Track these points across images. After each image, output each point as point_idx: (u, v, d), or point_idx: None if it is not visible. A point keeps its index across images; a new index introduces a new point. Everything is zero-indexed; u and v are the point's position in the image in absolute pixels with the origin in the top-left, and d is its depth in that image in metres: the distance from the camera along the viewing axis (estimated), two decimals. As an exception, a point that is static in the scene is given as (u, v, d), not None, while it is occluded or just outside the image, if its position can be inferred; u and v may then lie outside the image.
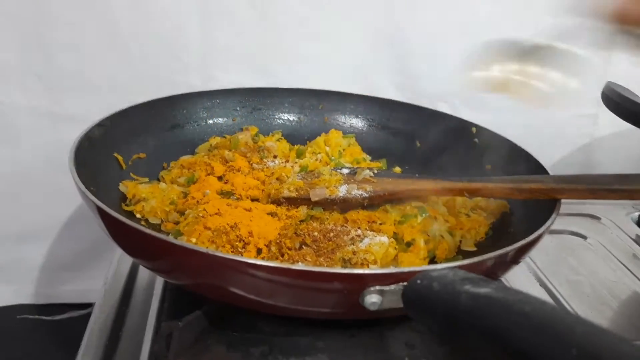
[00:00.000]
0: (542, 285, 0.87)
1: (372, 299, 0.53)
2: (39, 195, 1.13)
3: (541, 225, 0.67)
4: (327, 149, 0.98)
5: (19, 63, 1.03)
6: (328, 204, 0.81)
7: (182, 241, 0.56)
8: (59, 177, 1.08)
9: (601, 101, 1.13)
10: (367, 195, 0.82)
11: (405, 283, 0.53)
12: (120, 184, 0.82)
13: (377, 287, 0.53)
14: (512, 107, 1.15)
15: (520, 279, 0.87)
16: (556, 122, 1.19)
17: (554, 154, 1.21)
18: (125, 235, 0.63)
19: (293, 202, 0.81)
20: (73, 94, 1.07)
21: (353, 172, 0.86)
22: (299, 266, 0.54)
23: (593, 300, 0.85)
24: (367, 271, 0.55)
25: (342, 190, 0.82)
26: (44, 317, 1.21)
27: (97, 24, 1.02)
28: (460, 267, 0.57)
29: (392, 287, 0.53)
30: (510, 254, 0.63)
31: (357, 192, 0.82)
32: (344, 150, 0.99)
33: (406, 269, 0.55)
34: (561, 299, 0.84)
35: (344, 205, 0.81)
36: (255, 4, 1.06)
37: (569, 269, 0.92)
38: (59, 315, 1.21)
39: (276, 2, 1.07)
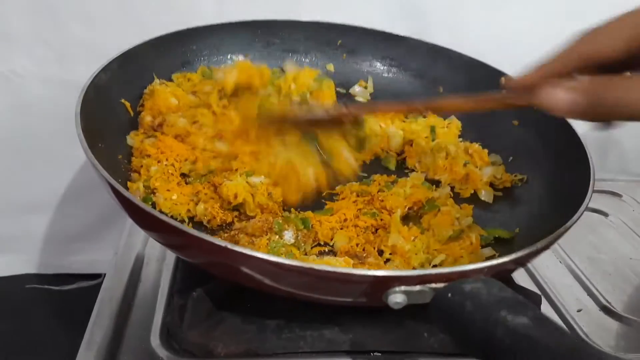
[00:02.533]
0: (563, 262, 0.85)
1: (396, 299, 0.51)
2: (49, 165, 1.12)
3: (576, 211, 0.64)
4: (293, 86, 0.92)
5: (29, 32, 1.01)
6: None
7: (199, 232, 0.53)
8: (68, 147, 1.07)
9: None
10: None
11: (432, 285, 0.51)
12: (127, 137, 0.79)
13: (402, 288, 0.51)
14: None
15: (541, 257, 0.84)
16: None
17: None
18: (139, 216, 0.61)
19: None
20: (84, 63, 1.04)
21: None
22: (322, 267, 0.51)
23: (615, 279, 0.83)
24: (390, 273, 0.53)
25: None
26: (52, 287, 1.21)
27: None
28: (493, 270, 0.54)
29: (417, 288, 0.51)
30: (539, 248, 0.60)
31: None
32: (311, 93, 0.92)
33: (433, 271, 0.52)
34: (582, 277, 0.82)
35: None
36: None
37: (590, 247, 0.89)
38: (67, 285, 1.21)
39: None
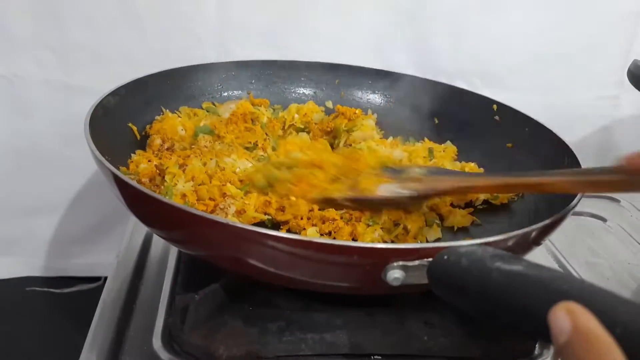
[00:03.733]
0: (561, 266, 0.86)
1: (394, 275, 0.52)
2: (50, 169, 1.13)
3: (566, 206, 0.65)
4: (296, 116, 0.95)
5: (33, 36, 1.02)
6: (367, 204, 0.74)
7: (201, 211, 0.54)
8: (70, 150, 1.08)
9: (622, 83, 1.12)
10: (414, 194, 0.73)
11: (430, 259, 0.51)
12: (133, 154, 0.80)
13: (401, 263, 0.52)
14: (532, 88, 1.14)
15: (539, 260, 0.85)
16: (576, 103, 1.16)
17: (573, 134, 1.19)
18: (142, 205, 0.61)
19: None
20: (86, 67, 1.06)
21: (399, 171, 0.78)
22: (321, 239, 0.52)
23: (613, 283, 0.83)
24: (389, 246, 0.53)
25: (385, 190, 0.74)
26: (52, 290, 1.21)
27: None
28: (485, 244, 0.55)
29: (416, 262, 0.52)
30: (534, 234, 0.61)
31: (401, 190, 0.73)
32: (315, 124, 0.95)
33: (431, 245, 0.53)
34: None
35: (385, 205, 0.74)
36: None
37: (588, 251, 0.90)
38: (67, 288, 1.21)
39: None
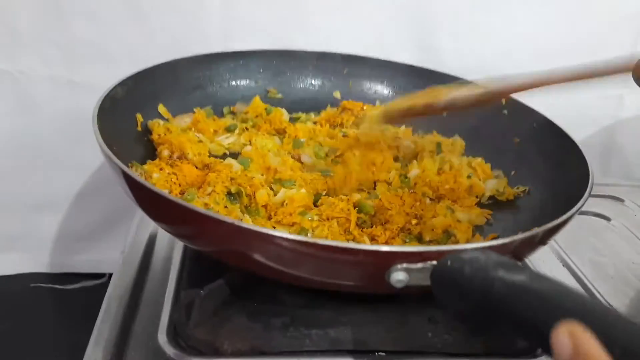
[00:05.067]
0: (565, 265, 0.86)
1: (398, 277, 0.52)
2: (55, 165, 1.13)
3: (571, 206, 0.65)
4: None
5: (37, 32, 1.02)
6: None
7: (209, 210, 0.55)
8: (75, 146, 1.08)
9: (626, 82, 1.11)
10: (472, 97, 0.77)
11: (434, 262, 0.51)
12: (145, 166, 0.79)
13: (404, 265, 0.52)
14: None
15: (543, 258, 0.85)
16: (580, 102, 1.16)
17: (577, 134, 1.19)
18: (149, 200, 0.61)
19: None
20: (91, 63, 1.06)
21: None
22: (325, 241, 0.52)
23: (617, 282, 0.83)
24: (393, 248, 0.54)
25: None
26: (57, 286, 1.21)
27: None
28: (489, 248, 0.55)
29: (419, 265, 0.52)
30: (540, 235, 0.61)
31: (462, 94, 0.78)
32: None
33: (434, 248, 0.53)
34: (585, 279, 0.83)
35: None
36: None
37: (592, 250, 0.90)
38: (72, 284, 1.22)
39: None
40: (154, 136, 0.84)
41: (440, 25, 1.10)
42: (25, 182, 1.14)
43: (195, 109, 0.93)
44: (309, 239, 0.54)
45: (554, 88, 0.76)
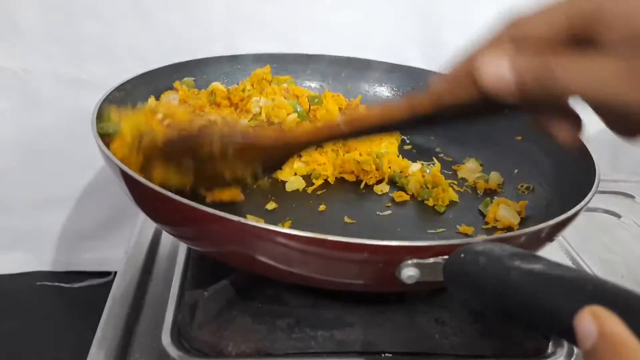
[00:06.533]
0: (575, 263, 0.84)
1: (409, 272, 0.51)
2: (59, 163, 1.13)
3: (579, 201, 0.64)
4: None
5: (42, 30, 1.02)
6: None
7: (210, 209, 0.54)
8: (79, 144, 1.07)
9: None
10: None
11: (445, 257, 0.50)
12: None
13: (415, 260, 0.51)
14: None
15: (552, 256, 0.83)
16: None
17: (586, 130, 1.17)
18: (150, 200, 0.61)
19: None
20: (96, 61, 1.05)
21: None
22: (334, 237, 0.51)
23: (628, 280, 0.82)
24: (404, 243, 0.53)
25: None
26: (62, 284, 1.21)
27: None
28: (499, 240, 0.54)
29: (431, 260, 0.51)
30: (546, 231, 0.60)
31: None
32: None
33: (446, 242, 0.52)
34: (594, 277, 0.81)
35: None
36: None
37: (602, 248, 0.89)
38: (77, 282, 1.22)
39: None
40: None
41: (449, 21, 1.08)
42: (30, 180, 1.14)
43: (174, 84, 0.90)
44: (315, 235, 0.52)
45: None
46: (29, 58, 1.04)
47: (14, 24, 1.00)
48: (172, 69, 0.90)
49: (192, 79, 0.93)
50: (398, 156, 0.88)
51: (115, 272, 0.77)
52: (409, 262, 0.51)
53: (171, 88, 0.89)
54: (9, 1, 0.99)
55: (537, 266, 0.42)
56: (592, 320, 0.33)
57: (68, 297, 1.19)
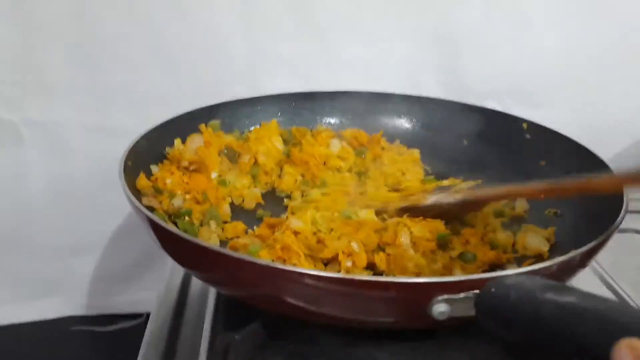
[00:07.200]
0: (609, 287, 0.83)
1: (440, 309, 0.51)
2: (89, 209, 1.15)
3: (609, 224, 0.63)
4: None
5: (68, 81, 1.05)
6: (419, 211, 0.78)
7: (234, 251, 0.55)
8: (108, 190, 1.09)
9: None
10: (458, 201, 0.79)
11: (476, 291, 0.50)
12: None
13: (446, 296, 0.51)
14: (565, 104, 1.12)
15: (584, 281, 0.82)
16: (614, 115, 1.14)
17: (611, 147, 1.16)
18: (176, 246, 0.62)
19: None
20: (121, 108, 1.08)
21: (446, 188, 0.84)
22: (361, 277, 0.52)
23: (664, 303, 0.80)
24: (433, 279, 0.53)
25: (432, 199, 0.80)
26: (96, 329, 1.22)
27: (143, 36, 1.03)
28: (527, 273, 0.54)
29: (462, 295, 0.51)
30: (578, 258, 0.59)
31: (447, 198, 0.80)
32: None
33: (475, 276, 0.52)
34: (630, 301, 0.80)
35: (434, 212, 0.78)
36: (297, 10, 1.05)
37: (636, 270, 0.87)
38: (110, 326, 1.22)
39: (319, 6, 1.06)
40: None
41: (466, 48, 1.09)
42: (61, 227, 1.16)
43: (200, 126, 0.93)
44: (343, 275, 0.53)
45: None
46: (58, 109, 1.06)
47: (42, 77, 1.03)
48: (194, 114, 0.92)
49: (218, 121, 0.94)
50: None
51: (148, 314, 0.78)
52: (440, 297, 0.51)
53: (196, 130, 0.91)
54: (37, 55, 1.02)
55: (569, 299, 0.42)
56: (629, 354, 0.33)
57: (102, 342, 1.20)
